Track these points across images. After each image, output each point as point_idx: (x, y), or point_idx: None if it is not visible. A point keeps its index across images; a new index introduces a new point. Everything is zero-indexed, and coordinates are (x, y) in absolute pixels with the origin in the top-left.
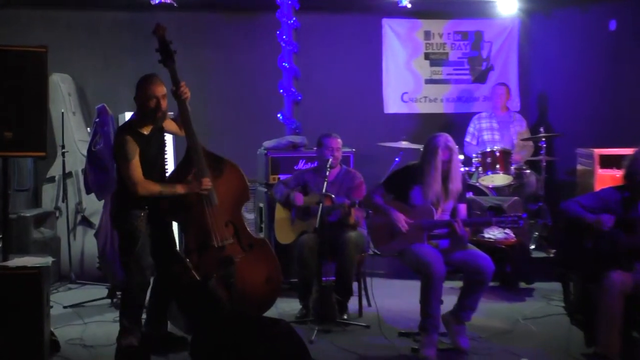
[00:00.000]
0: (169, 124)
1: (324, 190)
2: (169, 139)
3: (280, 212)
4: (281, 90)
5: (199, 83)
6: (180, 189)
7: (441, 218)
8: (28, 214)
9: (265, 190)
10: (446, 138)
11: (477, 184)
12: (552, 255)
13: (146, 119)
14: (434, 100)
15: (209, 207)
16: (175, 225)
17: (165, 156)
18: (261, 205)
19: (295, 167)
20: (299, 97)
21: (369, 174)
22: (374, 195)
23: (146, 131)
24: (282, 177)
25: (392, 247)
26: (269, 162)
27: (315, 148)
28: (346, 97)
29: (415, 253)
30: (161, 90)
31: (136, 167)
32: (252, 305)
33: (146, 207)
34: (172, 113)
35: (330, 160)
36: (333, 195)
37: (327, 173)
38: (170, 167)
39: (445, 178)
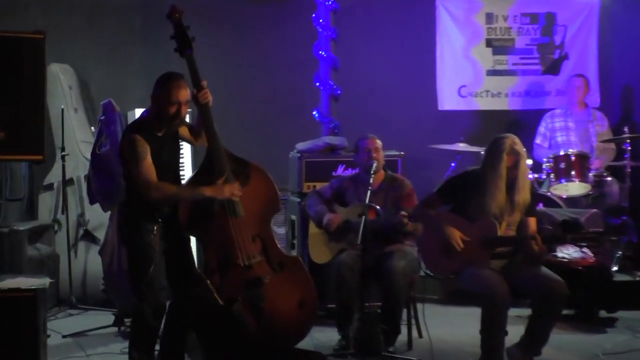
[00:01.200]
0: (183, 130)
1: (367, 201)
2: (185, 144)
3: (315, 226)
4: (317, 84)
5: (220, 75)
6: (205, 192)
7: (506, 234)
8: (22, 228)
9: (299, 200)
10: (512, 140)
11: (549, 193)
12: (638, 278)
13: (161, 122)
14: (497, 95)
15: (233, 219)
16: (193, 240)
17: (181, 163)
18: (293, 217)
19: (333, 173)
20: (338, 92)
21: (420, 182)
22: (426, 206)
23: (160, 133)
24: (319, 185)
25: (448, 268)
26: (302, 167)
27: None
28: (393, 92)
29: (475, 275)
30: (185, 95)
31: (149, 167)
32: (283, 335)
33: (160, 220)
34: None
35: (374, 165)
36: (378, 207)
37: (371, 180)
38: (186, 176)
39: (511, 187)
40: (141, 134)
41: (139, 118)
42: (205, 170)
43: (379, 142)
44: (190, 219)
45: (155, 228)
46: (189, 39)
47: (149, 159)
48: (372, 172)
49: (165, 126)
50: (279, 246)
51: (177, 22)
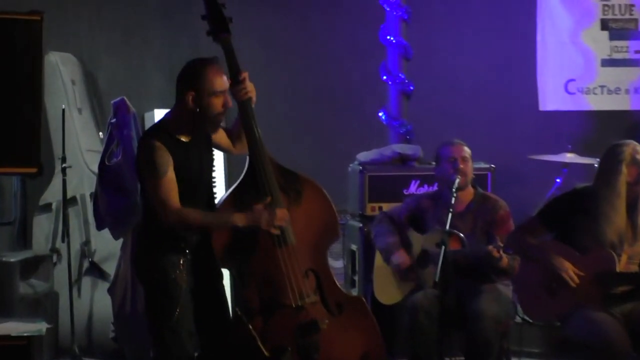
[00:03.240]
0: (217, 135)
1: (447, 226)
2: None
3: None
4: (384, 77)
5: (261, 66)
6: (237, 220)
7: (627, 269)
8: (12, 259)
9: (360, 225)
10: (633, 148)
11: None
12: None
13: (194, 127)
14: (615, 91)
15: (281, 249)
16: (226, 274)
17: (214, 175)
18: (353, 247)
19: (404, 191)
20: (411, 88)
21: (515, 202)
22: (525, 233)
23: (185, 137)
24: (386, 206)
25: (552, 312)
26: (365, 183)
27: (434, 163)
28: (481, 88)
29: (587, 321)
30: (225, 82)
31: (169, 184)
32: None
33: (187, 251)
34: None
35: (457, 180)
36: (462, 235)
37: (453, 200)
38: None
39: (633, 208)
40: (162, 140)
41: (159, 121)
42: (245, 186)
43: (467, 151)
44: (228, 248)
45: (181, 260)
46: (225, 19)
47: (170, 174)
48: (454, 188)
49: (204, 128)
50: (337, 283)
51: None
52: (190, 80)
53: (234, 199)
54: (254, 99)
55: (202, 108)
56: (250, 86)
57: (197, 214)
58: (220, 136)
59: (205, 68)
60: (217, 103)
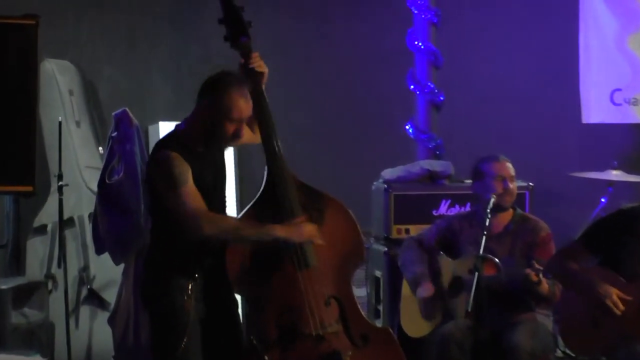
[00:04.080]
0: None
1: (481, 250)
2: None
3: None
4: (412, 86)
5: (278, 73)
6: (277, 232)
7: None
8: (4, 286)
9: (385, 249)
10: None
11: None
12: None
13: (207, 139)
14: None
15: (302, 272)
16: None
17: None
18: (378, 274)
19: (433, 212)
20: (441, 98)
21: (556, 224)
22: (567, 258)
23: (199, 147)
24: (413, 229)
25: (596, 345)
26: (391, 203)
27: (469, 181)
28: (517, 99)
29: (636, 355)
30: (248, 111)
31: (194, 194)
32: None
33: (197, 275)
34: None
35: (492, 200)
36: (497, 260)
37: (487, 222)
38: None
39: None
40: (177, 150)
41: (173, 130)
42: (265, 203)
43: (511, 168)
44: (243, 270)
45: (190, 285)
46: (244, 23)
47: (191, 184)
48: (489, 209)
49: (213, 143)
50: (362, 312)
51: (227, 0)
52: (211, 93)
53: (254, 216)
54: (266, 74)
55: (213, 125)
56: (260, 61)
57: (236, 222)
58: (246, 132)
59: (231, 88)
60: (229, 129)
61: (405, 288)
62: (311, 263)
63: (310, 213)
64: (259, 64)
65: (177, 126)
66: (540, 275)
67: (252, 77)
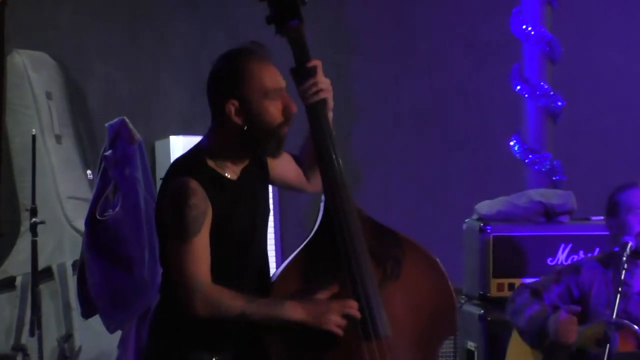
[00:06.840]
0: (278, 166)
1: (614, 313)
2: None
3: (517, 354)
4: (518, 87)
5: (339, 74)
6: (292, 313)
7: None
8: None
9: (481, 311)
10: None
11: None
12: None
13: (244, 150)
14: None
15: (370, 342)
16: None
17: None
18: (471, 346)
19: (549, 261)
20: (559, 103)
21: None
22: None
23: (232, 173)
24: (518, 284)
25: None
26: (488, 248)
27: (598, 218)
28: None
29: None
30: (281, 78)
31: (199, 251)
32: None
33: (224, 346)
34: None
35: (629, 244)
36: (637, 328)
37: (623, 274)
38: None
39: None
40: (200, 177)
41: (193, 149)
42: (319, 248)
43: None
44: (289, 341)
45: None
46: (297, 3)
47: (203, 235)
48: (624, 256)
49: (260, 153)
50: None
51: None
52: (228, 83)
53: (303, 269)
54: (331, 103)
55: (253, 120)
56: (324, 81)
57: (235, 300)
58: (285, 165)
59: (249, 61)
60: (275, 109)
61: (514, 354)
62: (382, 332)
63: (383, 263)
64: (321, 85)
65: (199, 143)
66: None
67: (310, 108)
